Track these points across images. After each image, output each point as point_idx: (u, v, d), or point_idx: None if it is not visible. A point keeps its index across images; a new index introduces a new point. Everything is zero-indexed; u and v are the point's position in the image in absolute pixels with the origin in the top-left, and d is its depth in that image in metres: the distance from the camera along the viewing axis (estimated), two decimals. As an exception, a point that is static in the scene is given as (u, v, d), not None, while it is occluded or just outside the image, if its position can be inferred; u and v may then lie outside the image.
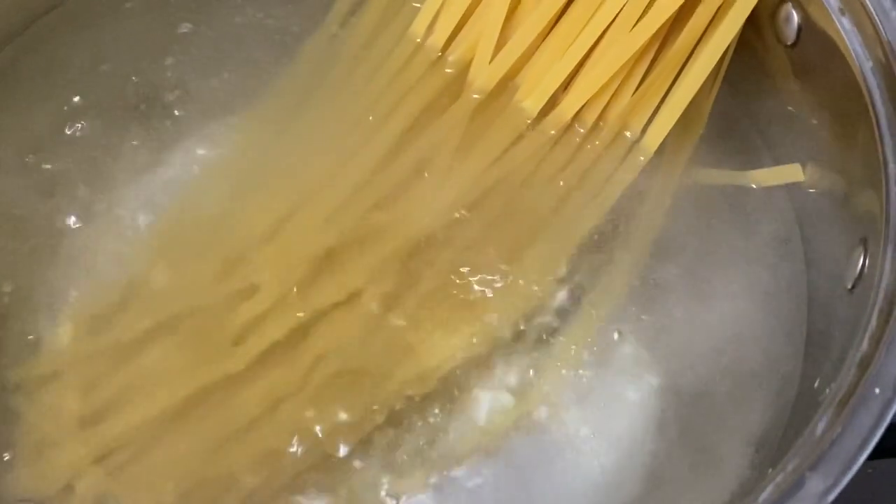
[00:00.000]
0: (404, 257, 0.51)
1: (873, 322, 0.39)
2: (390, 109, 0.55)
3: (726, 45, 0.51)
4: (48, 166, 0.54)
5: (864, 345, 0.38)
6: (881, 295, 0.40)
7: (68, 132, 0.55)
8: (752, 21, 0.51)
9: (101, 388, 0.47)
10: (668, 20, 0.51)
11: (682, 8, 0.51)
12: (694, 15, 0.51)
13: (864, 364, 0.38)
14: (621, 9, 0.51)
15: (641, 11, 0.51)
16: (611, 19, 0.52)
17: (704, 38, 0.52)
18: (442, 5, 0.56)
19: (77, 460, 0.46)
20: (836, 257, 0.47)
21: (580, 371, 0.49)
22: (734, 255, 0.52)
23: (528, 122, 0.54)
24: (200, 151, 0.55)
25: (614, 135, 0.54)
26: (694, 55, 0.52)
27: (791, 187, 0.52)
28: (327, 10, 0.59)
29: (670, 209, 0.53)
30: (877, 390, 0.36)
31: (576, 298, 0.50)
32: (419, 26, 0.57)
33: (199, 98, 0.56)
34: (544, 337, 0.49)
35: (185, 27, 0.59)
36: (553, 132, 0.54)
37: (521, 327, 0.50)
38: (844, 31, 0.47)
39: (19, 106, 0.56)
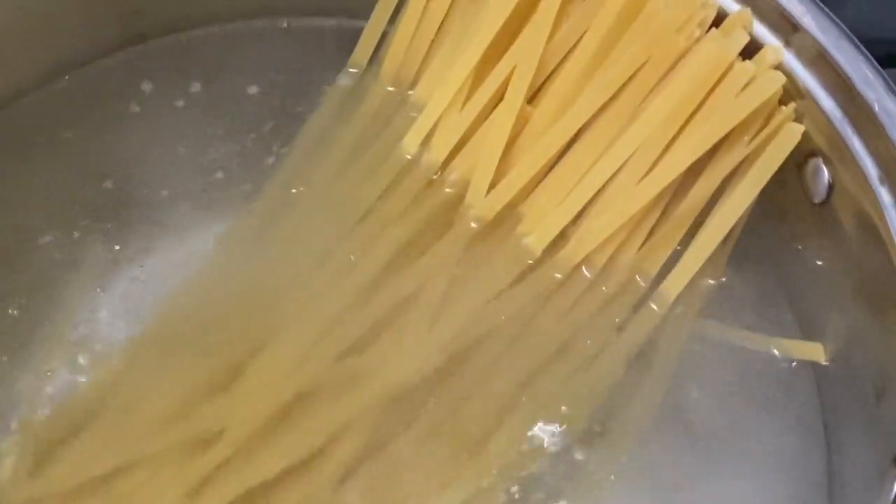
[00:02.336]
0: (383, 407, 0.47)
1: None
2: (376, 233, 0.51)
3: (749, 201, 0.48)
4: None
5: None
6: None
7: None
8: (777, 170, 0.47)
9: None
10: (678, 177, 0.48)
11: (698, 160, 0.47)
12: (710, 167, 0.48)
13: None
14: (626, 160, 0.48)
15: (649, 166, 0.48)
16: (615, 168, 0.48)
17: (725, 190, 0.48)
18: (438, 120, 0.53)
19: None
20: (865, 473, 0.43)
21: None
22: (745, 434, 0.48)
23: (531, 261, 0.51)
24: (162, 276, 0.51)
25: (625, 281, 0.50)
26: (715, 208, 0.49)
27: (816, 365, 0.48)
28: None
29: (679, 368, 0.49)
30: None
31: (575, 463, 0.47)
32: (412, 142, 0.53)
33: (161, 214, 0.54)
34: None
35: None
36: (558, 275, 0.50)
37: (515, 495, 0.46)
38: (883, 203, 0.43)
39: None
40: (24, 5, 0.53)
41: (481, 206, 0.51)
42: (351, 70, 0.57)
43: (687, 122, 0.47)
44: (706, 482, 0.47)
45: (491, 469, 0.46)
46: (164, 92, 0.57)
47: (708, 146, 0.46)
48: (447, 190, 0.52)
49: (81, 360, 0.49)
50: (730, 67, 0.46)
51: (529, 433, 0.47)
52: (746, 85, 0.46)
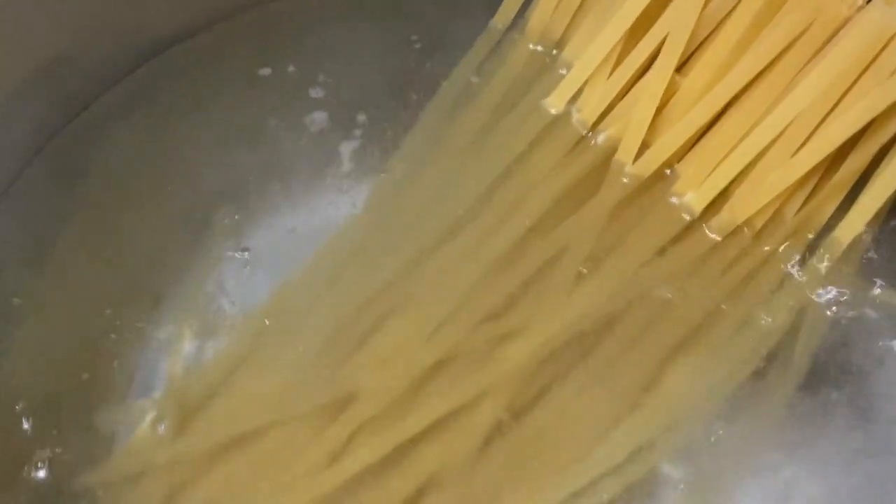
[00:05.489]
0: (525, 373, 0.48)
1: None
2: (522, 190, 0.53)
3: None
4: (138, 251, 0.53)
5: None
6: None
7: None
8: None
9: (181, 500, 0.46)
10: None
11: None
12: (868, 133, 0.50)
13: None
14: (785, 128, 0.49)
15: (808, 133, 0.49)
16: (775, 134, 0.50)
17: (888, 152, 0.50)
18: (587, 82, 0.54)
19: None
20: None
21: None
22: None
23: (689, 219, 0.52)
24: (299, 238, 0.53)
25: (784, 242, 0.52)
26: (876, 171, 0.50)
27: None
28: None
29: (836, 332, 0.50)
30: None
31: (724, 429, 0.48)
32: (558, 99, 0.55)
33: (294, 174, 0.55)
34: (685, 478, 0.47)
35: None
36: (714, 235, 0.51)
37: (663, 467, 0.47)
38: None
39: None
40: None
41: (631, 168, 0.52)
42: (494, 27, 0.58)
43: (847, 92, 0.48)
44: (867, 459, 0.48)
45: (639, 436, 0.47)
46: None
47: (867, 119, 0.48)
48: (597, 147, 0.53)
49: (218, 322, 0.51)
50: (893, 38, 0.47)
51: (679, 399, 0.48)
52: (911, 57, 0.47)
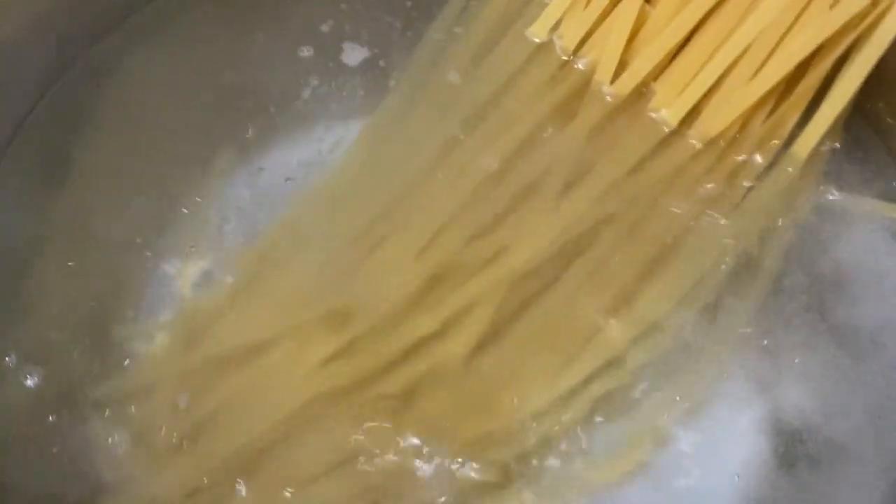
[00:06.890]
0: (512, 284, 0.51)
1: None
2: (511, 113, 0.56)
3: (865, 72, 0.54)
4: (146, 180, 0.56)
5: None
6: None
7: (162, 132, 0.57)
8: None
9: (190, 411, 0.49)
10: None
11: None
12: (825, 48, 0.54)
13: None
14: (744, 52, 0.54)
15: (766, 56, 0.54)
16: (733, 59, 0.55)
17: (853, 51, 0.55)
18: (566, 13, 0.59)
19: (168, 496, 0.48)
20: None
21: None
22: (868, 290, 0.54)
23: (667, 131, 0.56)
24: (296, 162, 0.57)
25: (751, 150, 0.56)
26: (838, 75, 0.55)
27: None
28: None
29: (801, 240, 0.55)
30: None
31: (692, 339, 0.52)
32: (540, 28, 0.59)
33: (290, 109, 0.58)
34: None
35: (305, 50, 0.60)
36: (694, 142, 0.56)
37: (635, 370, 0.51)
38: None
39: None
40: None
41: (608, 90, 0.56)
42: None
43: (801, 13, 0.53)
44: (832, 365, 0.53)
45: (615, 345, 0.51)
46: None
47: (822, 39, 0.53)
48: (579, 71, 0.57)
49: (225, 246, 0.54)
50: (843, -38, 0.52)
51: (653, 308, 0.52)
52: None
